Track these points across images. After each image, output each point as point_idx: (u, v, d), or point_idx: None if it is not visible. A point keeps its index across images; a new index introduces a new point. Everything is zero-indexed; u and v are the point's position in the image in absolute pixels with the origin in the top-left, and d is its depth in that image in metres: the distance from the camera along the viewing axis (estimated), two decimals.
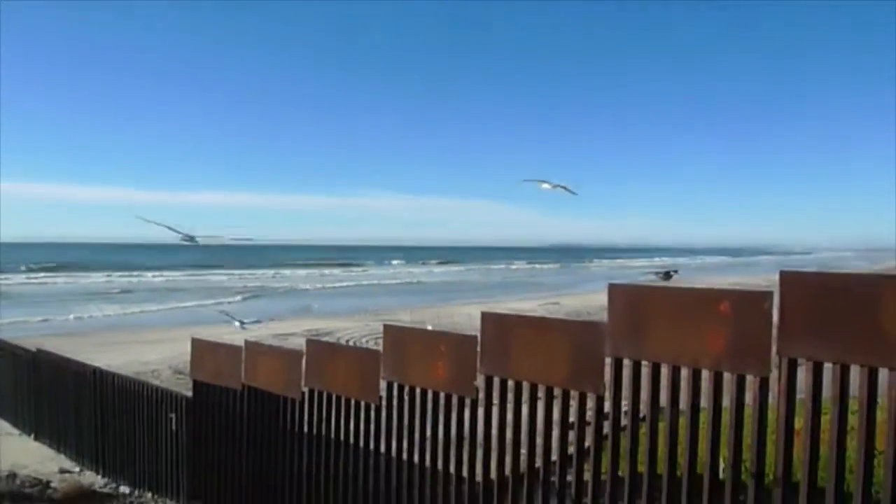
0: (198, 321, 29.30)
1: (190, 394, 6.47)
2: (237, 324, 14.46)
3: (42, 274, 62.98)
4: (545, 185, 6.92)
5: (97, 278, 59.15)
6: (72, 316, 31.56)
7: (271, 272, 72.04)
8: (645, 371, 3.37)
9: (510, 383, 3.94)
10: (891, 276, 2.63)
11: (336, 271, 79.25)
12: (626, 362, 3.43)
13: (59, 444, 8.95)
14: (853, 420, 2.73)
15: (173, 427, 6.63)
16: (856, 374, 2.71)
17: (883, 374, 2.65)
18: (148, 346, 18.81)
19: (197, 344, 6.27)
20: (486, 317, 4.08)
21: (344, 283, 58.23)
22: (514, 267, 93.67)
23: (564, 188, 7.01)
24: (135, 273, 65.71)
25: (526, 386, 3.85)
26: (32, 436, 9.51)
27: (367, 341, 17.22)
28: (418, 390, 4.37)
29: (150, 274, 65.15)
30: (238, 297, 42.74)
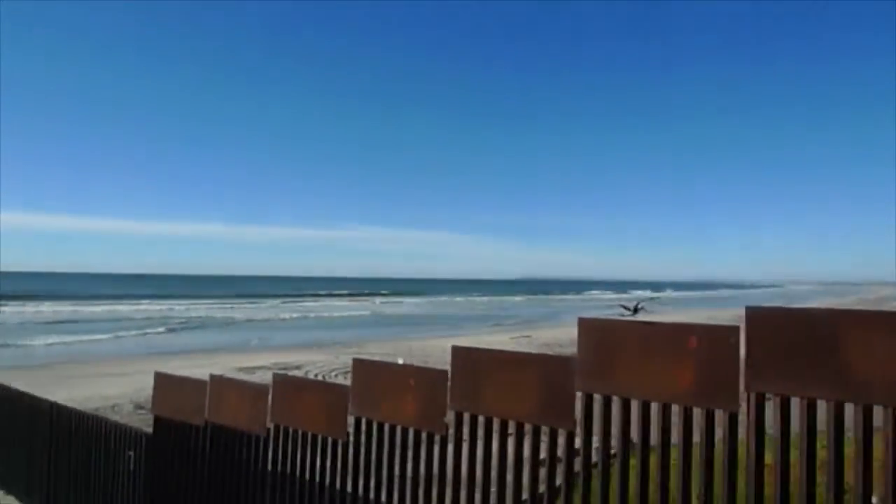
0: (158, 351, 28.82)
1: (151, 430, 6.25)
2: None
3: None
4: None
5: (43, 307, 57.89)
6: (24, 346, 30.75)
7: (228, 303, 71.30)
8: (615, 406, 3.36)
9: (481, 419, 3.89)
10: (854, 312, 2.67)
11: (308, 303, 78.66)
12: (597, 397, 3.41)
13: (7, 484, 8.56)
14: (823, 454, 2.74)
15: (131, 466, 6.39)
16: (823, 409, 2.73)
17: (849, 409, 2.67)
18: (109, 378, 18.26)
19: (159, 377, 6.08)
20: (456, 351, 4.04)
21: (312, 315, 57.75)
22: (482, 299, 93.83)
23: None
24: (79, 302, 64.55)
25: (497, 422, 3.80)
26: None
27: (336, 375, 16.98)
28: (387, 426, 4.29)
29: (96, 303, 64.17)
30: (172, 328, 42.27)
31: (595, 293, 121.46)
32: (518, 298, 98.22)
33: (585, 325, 3.50)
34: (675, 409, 3.15)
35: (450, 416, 4.00)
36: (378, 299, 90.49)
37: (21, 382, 9.84)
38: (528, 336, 31.51)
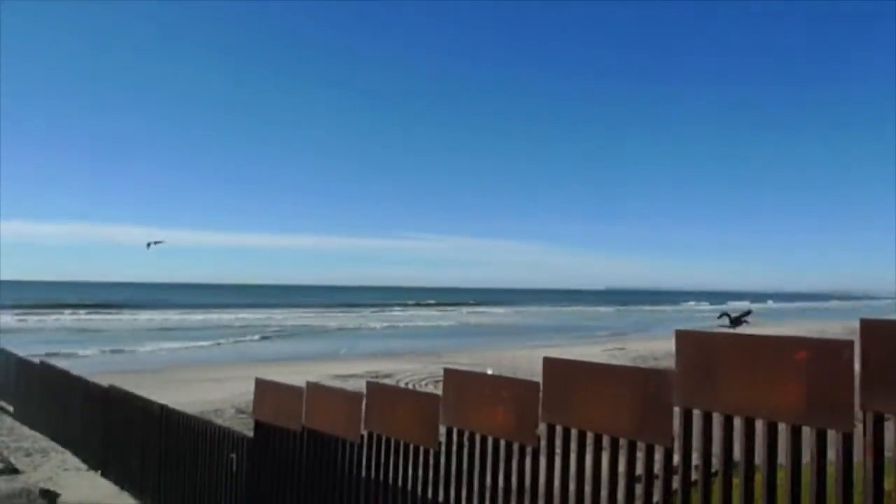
0: (255, 358, 30.11)
1: (251, 434, 6.54)
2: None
3: (85, 311, 66.40)
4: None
5: (149, 316, 61.87)
6: (135, 352, 32.96)
7: (317, 311, 73.81)
8: (717, 423, 3.23)
9: (574, 432, 3.83)
10: None
11: (395, 312, 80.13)
12: (697, 413, 3.29)
13: (123, 481, 9.16)
14: None
15: (234, 468, 6.70)
16: None
17: None
18: (212, 384, 19.23)
19: (260, 384, 6.36)
20: (548, 362, 4.01)
21: (402, 324, 58.75)
22: (568, 310, 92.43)
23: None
24: (184, 311, 68.53)
25: (591, 436, 3.74)
26: (100, 472, 9.76)
27: (426, 384, 17.18)
28: (478, 436, 4.30)
29: (203, 311, 68.03)
30: (267, 336, 43.95)
31: (690, 304, 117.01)
32: (607, 309, 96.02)
33: (683, 338, 3.39)
34: (781, 427, 2.99)
35: (542, 428, 3.97)
36: (463, 309, 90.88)
37: (133, 386, 10.54)
38: (620, 348, 30.72)
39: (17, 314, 58.47)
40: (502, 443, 4.16)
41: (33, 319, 55.18)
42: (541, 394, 3.96)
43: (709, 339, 3.40)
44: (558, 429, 3.91)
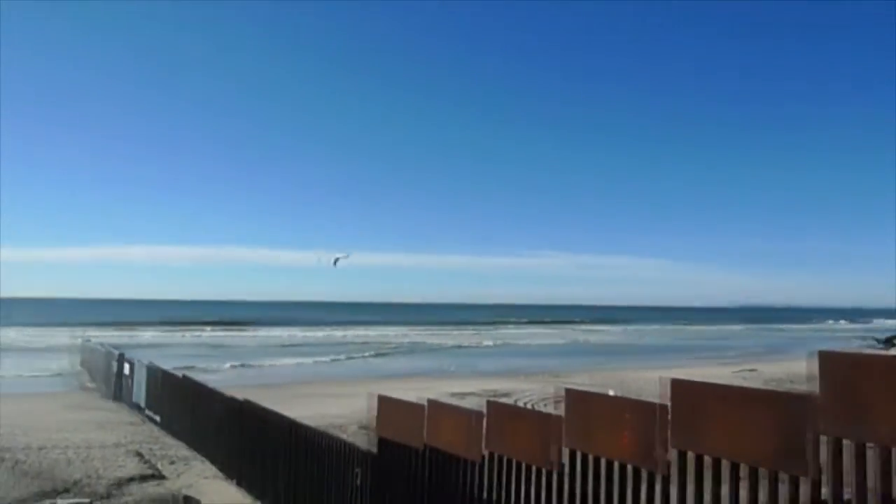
0: (374, 374, 31.02)
1: (374, 450, 6.71)
2: None
3: (219, 328, 71.24)
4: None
5: (275, 332, 65.39)
6: (263, 366, 34.96)
7: (425, 330, 74.98)
8: (872, 454, 2.95)
9: (706, 459, 3.64)
10: None
11: (508, 330, 79.94)
12: (847, 443, 3.03)
13: (257, 491, 9.65)
14: None
15: (358, 482, 6.89)
16: None
17: None
18: (335, 399, 19.95)
19: (382, 400, 6.52)
20: (676, 384, 3.84)
21: (516, 342, 58.50)
22: (691, 328, 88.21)
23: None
24: (307, 328, 71.85)
25: (726, 464, 3.53)
26: (235, 482, 10.35)
27: (545, 404, 16.94)
28: (602, 461, 4.18)
29: (323, 328, 71.14)
30: (383, 353, 44.98)
31: (828, 323, 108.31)
32: (734, 327, 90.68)
33: (828, 360, 3.14)
34: None
35: (671, 454, 3.80)
36: (577, 327, 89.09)
37: (262, 399, 11.12)
38: (752, 370, 28.86)
39: (160, 331, 64.05)
40: (629, 468, 4.02)
41: (177, 336, 60.06)
42: (669, 417, 3.80)
43: (857, 360, 3.13)
44: (689, 455, 3.72)
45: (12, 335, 52.57)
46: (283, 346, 50.27)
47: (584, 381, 23.14)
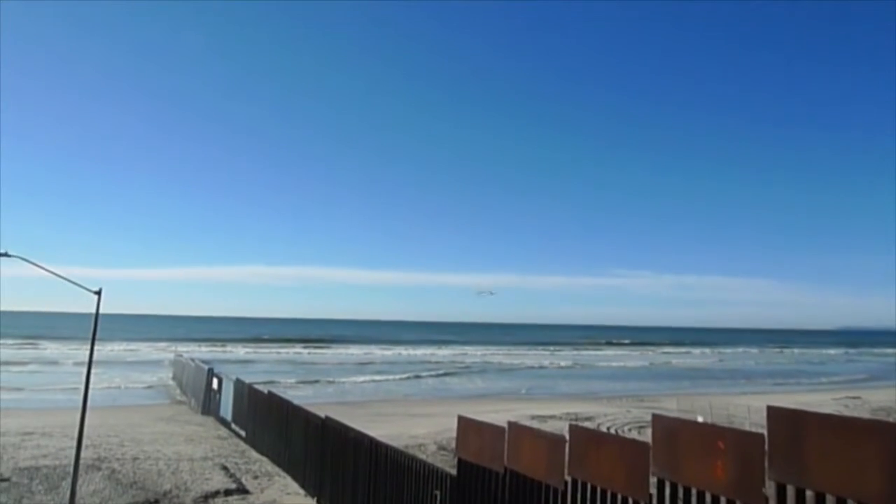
0: (451, 394, 30.94)
1: (454, 471, 6.64)
2: None
3: (301, 345, 73.32)
4: None
5: (354, 350, 66.76)
6: (343, 383, 35.62)
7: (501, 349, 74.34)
8: None
9: (808, 493, 3.38)
10: None
11: (587, 351, 78.29)
12: None
13: None
14: None
15: (438, 503, 6.83)
16: None
17: None
18: (413, 419, 20.02)
19: (463, 422, 6.46)
20: (773, 412, 3.60)
21: (592, 364, 57.18)
22: (786, 352, 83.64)
23: None
24: (383, 346, 72.94)
25: (830, 501, 3.27)
26: (316, 499, 10.49)
27: (629, 430, 16.40)
28: (694, 491, 3.96)
29: (399, 347, 71.98)
30: (456, 372, 44.63)
31: None
32: (835, 351, 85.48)
33: None
34: None
35: (769, 487, 3.55)
36: (658, 349, 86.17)
37: (342, 416, 11.30)
38: (855, 397, 27.01)
39: (250, 348, 66.53)
40: (722, 501, 3.79)
41: (264, 352, 62.22)
42: (766, 447, 3.56)
43: None
44: (789, 489, 3.47)
45: (115, 349, 56.16)
46: (363, 364, 51.16)
47: (671, 407, 22.27)
